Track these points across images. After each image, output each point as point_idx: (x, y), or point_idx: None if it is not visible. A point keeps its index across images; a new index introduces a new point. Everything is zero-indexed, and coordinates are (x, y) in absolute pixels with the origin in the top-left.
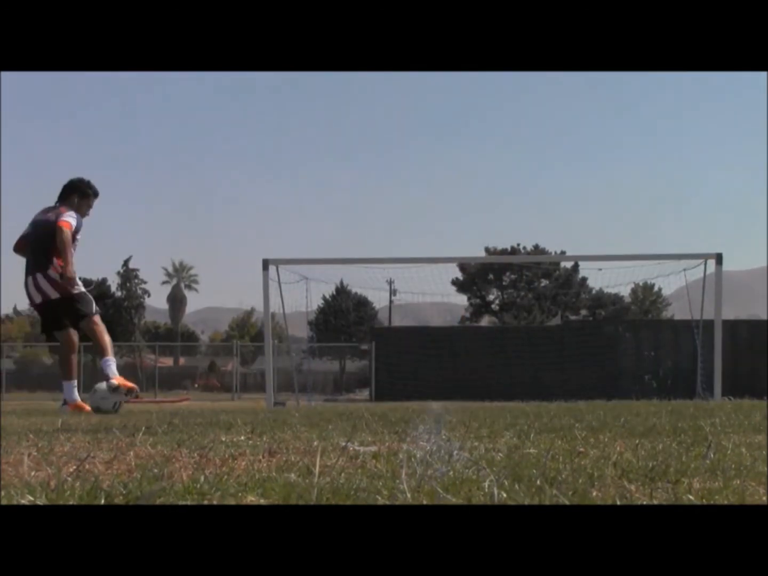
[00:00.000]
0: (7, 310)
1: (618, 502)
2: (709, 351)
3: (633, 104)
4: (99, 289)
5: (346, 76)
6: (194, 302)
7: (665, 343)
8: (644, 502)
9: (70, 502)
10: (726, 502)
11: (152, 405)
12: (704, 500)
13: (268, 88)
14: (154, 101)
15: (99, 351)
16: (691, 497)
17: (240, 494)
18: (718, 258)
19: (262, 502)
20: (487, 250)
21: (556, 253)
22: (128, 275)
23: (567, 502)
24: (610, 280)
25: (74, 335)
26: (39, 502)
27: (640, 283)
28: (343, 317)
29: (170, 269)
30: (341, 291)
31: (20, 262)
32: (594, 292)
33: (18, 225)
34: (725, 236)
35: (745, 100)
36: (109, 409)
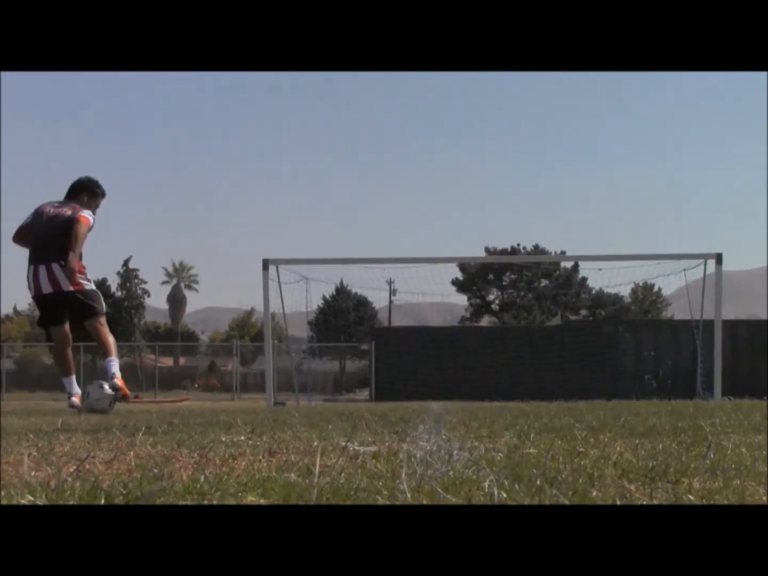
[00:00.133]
0: (7, 310)
1: (618, 502)
2: (709, 351)
3: (633, 104)
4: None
5: (346, 76)
6: (194, 302)
7: (665, 343)
8: (644, 502)
9: (70, 502)
10: (726, 502)
11: (152, 405)
12: (704, 500)
13: (268, 88)
14: (154, 101)
15: (103, 351)
16: (691, 497)
17: (240, 494)
18: (718, 258)
19: (262, 502)
20: (487, 250)
21: (556, 253)
22: (128, 275)
23: (567, 502)
24: (610, 280)
25: (69, 331)
26: (39, 502)
27: (640, 283)
28: (343, 317)
29: (170, 269)
30: (341, 291)
31: (20, 260)
32: (594, 292)
33: (18, 225)
34: (725, 236)
35: (745, 100)
36: (105, 409)
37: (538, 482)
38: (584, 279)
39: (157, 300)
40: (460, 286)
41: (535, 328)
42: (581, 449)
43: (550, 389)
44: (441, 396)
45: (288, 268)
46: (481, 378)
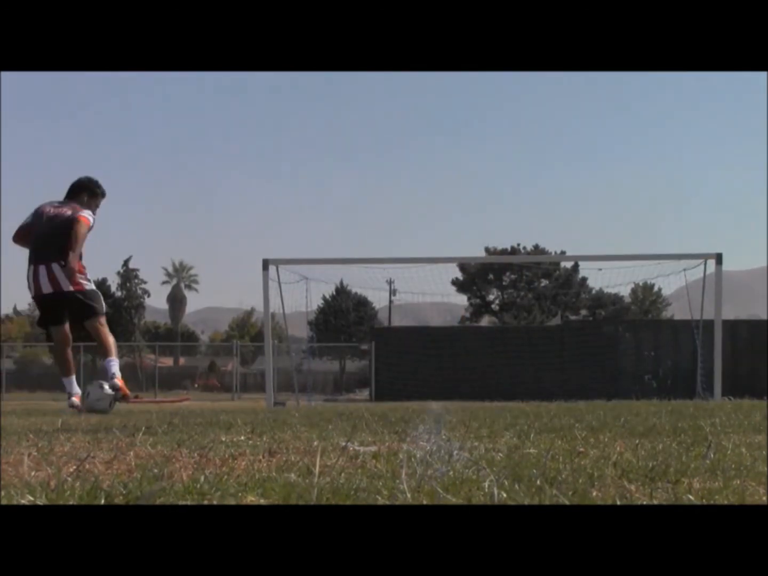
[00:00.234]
0: (7, 310)
1: (618, 502)
2: (709, 351)
3: (633, 104)
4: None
5: (346, 76)
6: (194, 302)
7: (665, 343)
8: (644, 502)
9: (70, 502)
10: (726, 502)
11: (152, 405)
12: (704, 500)
13: (268, 88)
14: (154, 101)
15: (103, 351)
16: (691, 497)
17: (240, 494)
18: (718, 258)
19: (262, 502)
20: (487, 250)
21: (556, 253)
22: (128, 275)
23: (567, 502)
24: (610, 280)
25: (68, 331)
26: (39, 502)
27: (640, 283)
28: (343, 317)
29: (170, 269)
30: (341, 291)
31: (20, 260)
32: (594, 292)
33: (18, 225)
34: (725, 236)
35: (745, 100)
36: (105, 409)
37: (538, 482)
38: (584, 279)
39: (157, 300)
40: (460, 286)
41: (535, 328)
42: (581, 449)
43: (550, 389)
44: (441, 396)
45: (288, 268)
46: (481, 378)
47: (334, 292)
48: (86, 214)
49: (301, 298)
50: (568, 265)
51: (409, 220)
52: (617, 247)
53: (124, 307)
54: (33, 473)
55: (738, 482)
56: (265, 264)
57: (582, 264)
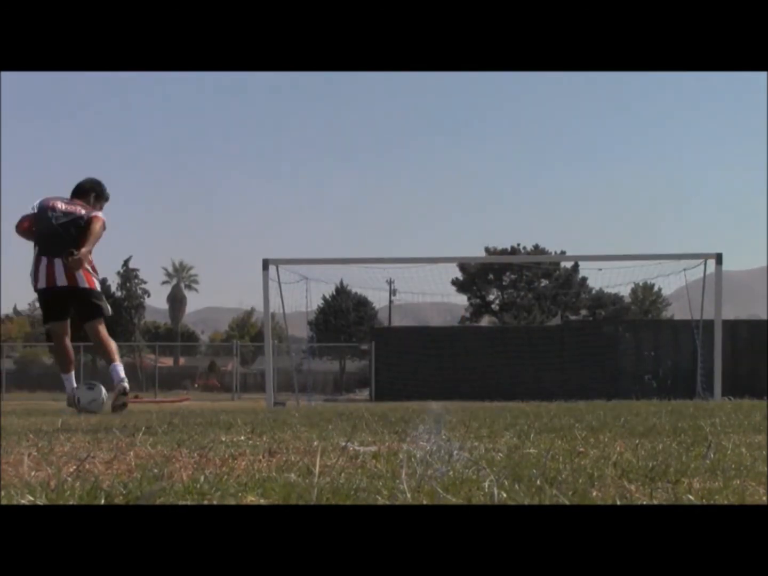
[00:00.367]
0: (7, 310)
1: (618, 502)
2: (709, 351)
3: (633, 104)
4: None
5: (346, 76)
6: (194, 302)
7: (665, 343)
8: (644, 502)
9: (70, 502)
10: (726, 502)
11: (152, 405)
12: (704, 500)
13: (268, 88)
14: (154, 101)
15: (107, 356)
16: (691, 497)
17: (240, 494)
18: (718, 258)
19: (262, 502)
20: (487, 250)
21: (556, 253)
22: (128, 275)
23: (567, 502)
24: (610, 280)
25: (69, 326)
26: (39, 502)
27: (640, 283)
28: (343, 317)
29: (170, 269)
30: (341, 291)
31: (20, 260)
32: (594, 292)
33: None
34: (725, 236)
35: (745, 100)
36: (99, 408)
37: (538, 482)
38: (584, 279)
39: (157, 300)
40: (460, 286)
41: (535, 328)
42: (581, 449)
43: (550, 389)
44: (441, 396)
45: (288, 268)
46: (481, 378)
47: (334, 292)
48: (101, 214)
49: (301, 298)
50: (568, 265)
51: (409, 220)
52: (617, 247)
53: (124, 307)
54: (33, 473)
55: (738, 482)
56: (265, 264)
57: (582, 264)
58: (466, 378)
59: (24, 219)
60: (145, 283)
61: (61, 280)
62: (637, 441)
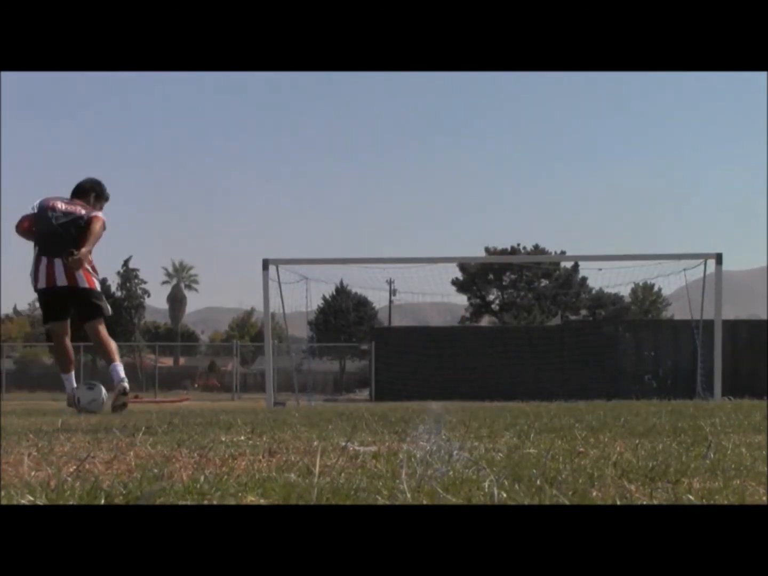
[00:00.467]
0: (7, 310)
1: (618, 502)
2: (709, 351)
3: (633, 104)
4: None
5: (347, 76)
6: (194, 302)
7: (665, 343)
8: (644, 502)
9: (70, 502)
10: (726, 502)
11: (152, 405)
12: (704, 500)
13: (269, 88)
14: (154, 101)
15: (107, 356)
16: (691, 497)
17: (240, 494)
18: (718, 258)
19: (262, 502)
20: (487, 250)
21: (556, 253)
22: (128, 275)
23: (567, 502)
24: (610, 280)
25: (68, 326)
26: (39, 502)
27: (640, 283)
28: (343, 317)
29: (170, 269)
30: (341, 291)
31: (20, 260)
32: (594, 292)
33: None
34: (725, 236)
35: (745, 100)
36: (99, 408)
37: (538, 482)
38: (584, 279)
39: (157, 300)
40: (460, 286)
41: (535, 328)
42: (581, 449)
43: (550, 389)
44: (441, 396)
45: (288, 268)
46: (481, 378)
47: (334, 292)
48: (101, 214)
49: (301, 298)
50: (568, 265)
51: (409, 220)
52: (617, 247)
53: (124, 307)
54: (33, 473)
55: (738, 482)
56: (265, 264)
57: (582, 264)
58: (466, 378)
59: (24, 219)
60: (145, 283)
61: (61, 280)
62: (637, 441)
